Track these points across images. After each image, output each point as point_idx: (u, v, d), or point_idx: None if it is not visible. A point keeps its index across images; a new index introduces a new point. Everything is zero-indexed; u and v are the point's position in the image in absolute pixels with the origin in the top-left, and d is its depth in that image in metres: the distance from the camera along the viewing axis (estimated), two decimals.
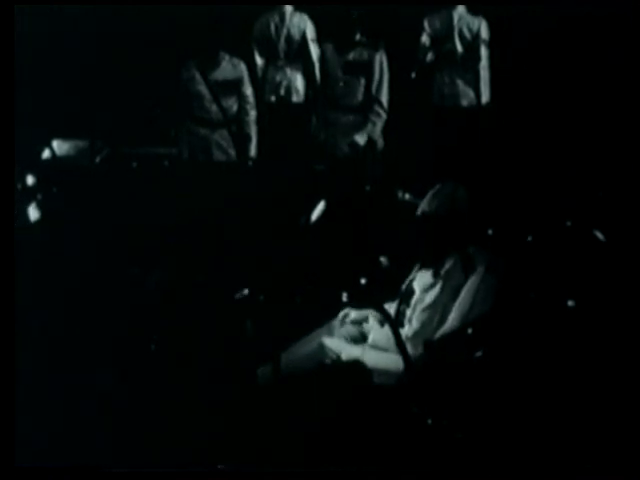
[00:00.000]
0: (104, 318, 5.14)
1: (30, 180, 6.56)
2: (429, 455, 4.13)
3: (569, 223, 5.20)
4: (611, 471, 4.04)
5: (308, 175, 7.07)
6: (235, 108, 7.27)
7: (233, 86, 7.25)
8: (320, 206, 5.72)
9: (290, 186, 6.80)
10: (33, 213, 6.41)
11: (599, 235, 5.05)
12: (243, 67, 7.30)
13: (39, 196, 6.47)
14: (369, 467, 4.08)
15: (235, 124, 7.26)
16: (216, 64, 7.20)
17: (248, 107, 7.30)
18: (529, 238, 5.11)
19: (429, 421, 4.17)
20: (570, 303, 4.49)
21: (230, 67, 7.25)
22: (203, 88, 7.17)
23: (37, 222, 6.38)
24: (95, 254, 5.99)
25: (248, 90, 7.31)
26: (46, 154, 7.17)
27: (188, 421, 4.29)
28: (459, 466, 4.11)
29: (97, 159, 7.42)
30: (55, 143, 7.26)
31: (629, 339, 4.40)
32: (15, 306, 4.12)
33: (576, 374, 4.28)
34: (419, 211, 4.71)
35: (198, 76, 7.17)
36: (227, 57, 7.24)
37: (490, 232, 5.14)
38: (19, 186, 6.41)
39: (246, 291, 4.81)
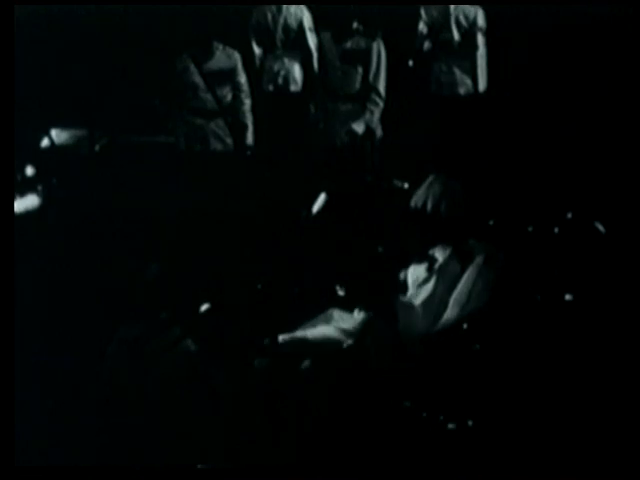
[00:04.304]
0: (103, 312, 5.13)
1: (29, 169, 6.57)
2: (423, 449, 4.14)
3: (570, 215, 5.21)
4: (609, 467, 4.05)
5: (306, 164, 7.08)
6: (230, 97, 7.27)
7: (227, 75, 7.24)
8: (321, 198, 5.75)
9: (288, 175, 6.82)
10: (32, 202, 6.43)
11: (600, 227, 5.07)
12: (237, 56, 7.28)
13: (38, 185, 6.49)
14: (362, 461, 4.09)
15: (231, 113, 7.26)
16: (210, 54, 7.19)
17: (243, 96, 7.30)
18: (529, 229, 5.12)
19: (423, 415, 4.18)
20: (568, 297, 4.50)
21: (224, 57, 7.24)
22: (198, 78, 7.17)
23: (36, 210, 6.40)
24: (94, 242, 6.01)
25: (242, 79, 7.30)
26: (45, 143, 7.19)
27: (187, 419, 4.28)
28: (454, 460, 4.12)
29: (96, 147, 7.43)
30: (54, 132, 7.27)
31: (628, 333, 4.41)
32: (15, 301, 4.12)
33: (574, 369, 4.29)
34: (411, 204, 4.67)
35: (192, 66, 7.16)
36: (221, 47, 7.23)
37: (491, 223, 5.15)
38: (19, 175, 6.42)
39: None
